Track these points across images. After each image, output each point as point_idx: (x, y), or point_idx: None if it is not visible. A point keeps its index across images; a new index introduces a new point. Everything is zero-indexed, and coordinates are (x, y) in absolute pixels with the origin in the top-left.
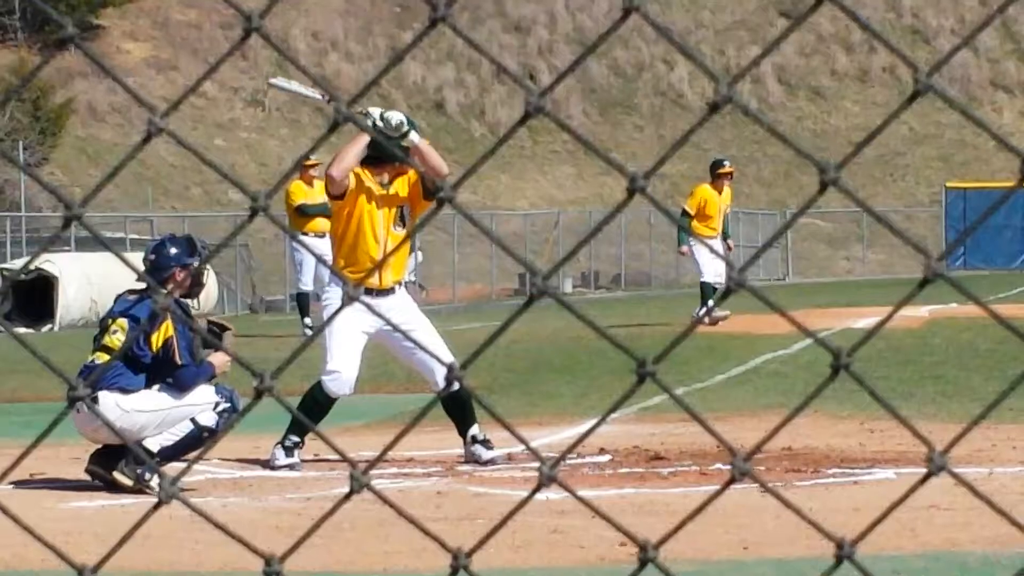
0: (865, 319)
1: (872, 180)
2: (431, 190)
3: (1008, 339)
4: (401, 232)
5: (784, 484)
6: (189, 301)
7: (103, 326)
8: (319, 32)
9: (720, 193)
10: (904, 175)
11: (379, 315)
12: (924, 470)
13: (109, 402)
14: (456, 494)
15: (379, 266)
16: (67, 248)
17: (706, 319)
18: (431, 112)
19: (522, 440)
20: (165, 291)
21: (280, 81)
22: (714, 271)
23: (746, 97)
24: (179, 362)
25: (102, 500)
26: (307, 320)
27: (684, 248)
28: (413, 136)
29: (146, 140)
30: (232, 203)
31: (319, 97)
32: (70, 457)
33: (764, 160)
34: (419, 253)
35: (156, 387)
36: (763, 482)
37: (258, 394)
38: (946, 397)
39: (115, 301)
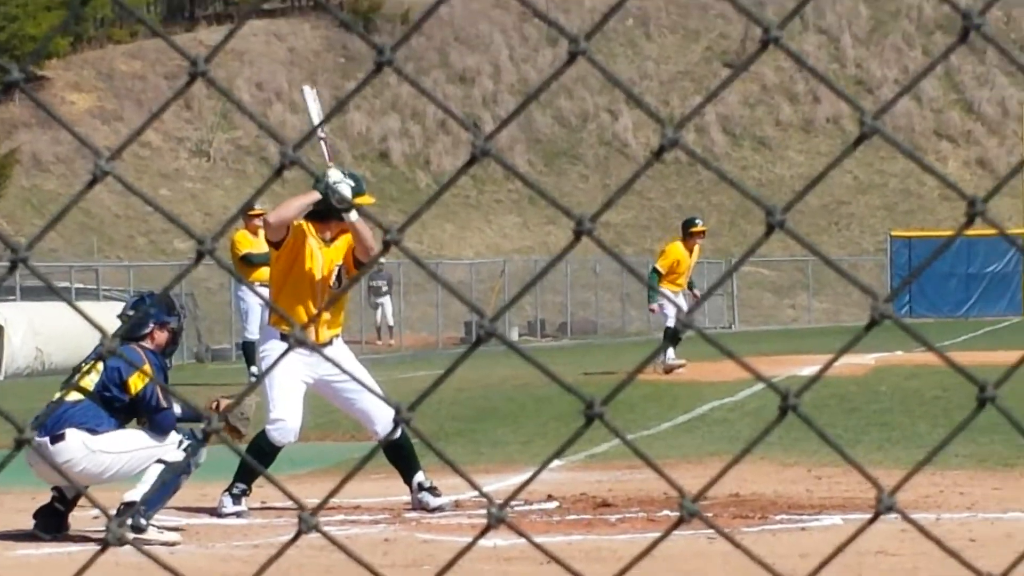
0: (811, 366)
1: (817, 229)
2: (360, 261)
3: (954, 386)
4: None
5: (731, 530)
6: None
7: (77, 368)
8: (263, 83)
9: (691, 252)
10: (849, 224)
11: (325, 356)
12: (871, 515)
13: (76, 441)
14: (403, 541)
15: (313, 320)
16: (12, 297)
17: (660, 367)
18: (376, 162)
19: (472, 482)
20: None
21: (310, 94)
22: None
23: (691, 147)
24: (164, 405)
25: (48, 548)
26: (253, 368)
27: (654, 306)
28: (352, 215)
29: (92, 183)
30: (177, 252)
31: (322, 135)
32: (15, 507)
33: (708, 209)
34: (389, 299)
35: (125, 429)
36: (712, 523)
37: (206, 436)
38: (892, 444)
39: (94, 349)
